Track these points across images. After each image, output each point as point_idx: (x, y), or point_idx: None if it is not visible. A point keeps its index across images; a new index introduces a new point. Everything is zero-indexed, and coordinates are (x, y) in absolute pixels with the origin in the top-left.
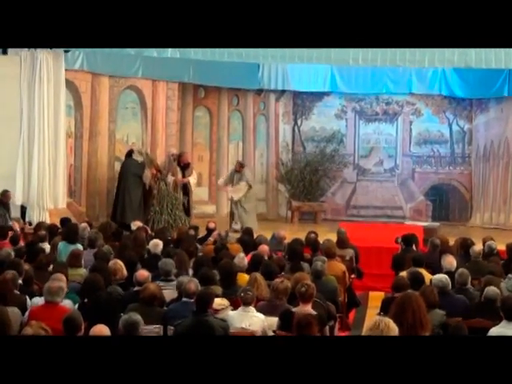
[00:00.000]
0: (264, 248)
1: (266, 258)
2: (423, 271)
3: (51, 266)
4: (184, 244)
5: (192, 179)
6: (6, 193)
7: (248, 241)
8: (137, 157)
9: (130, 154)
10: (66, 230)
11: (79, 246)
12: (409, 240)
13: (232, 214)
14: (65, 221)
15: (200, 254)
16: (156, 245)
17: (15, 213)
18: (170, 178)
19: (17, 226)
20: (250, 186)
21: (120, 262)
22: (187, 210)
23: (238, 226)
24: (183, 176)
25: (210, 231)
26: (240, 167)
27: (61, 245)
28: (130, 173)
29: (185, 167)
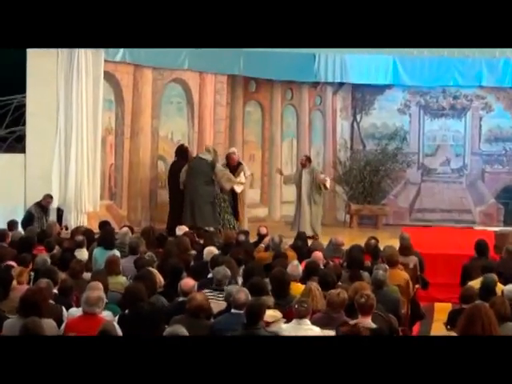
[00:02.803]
0: (318, 255)
1: (322, 265)
2: None
3: (89, 274)
4: (235, 251)
5: (237, 187)
6: (46, 197)
7: (301, 247)
8: (205, 155)
9: (179, 152)
10: (102, 234)
11: (116, 253)
12: (481, 247)
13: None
14: (103, 224)
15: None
16: (210, 252)
17: (51, 216)
18: None
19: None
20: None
21: (154, 270)
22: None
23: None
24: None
25: (261, 237)
26: (306, 161)
27: (96, 251)
28: (200, 174)
29: (234, 169)
